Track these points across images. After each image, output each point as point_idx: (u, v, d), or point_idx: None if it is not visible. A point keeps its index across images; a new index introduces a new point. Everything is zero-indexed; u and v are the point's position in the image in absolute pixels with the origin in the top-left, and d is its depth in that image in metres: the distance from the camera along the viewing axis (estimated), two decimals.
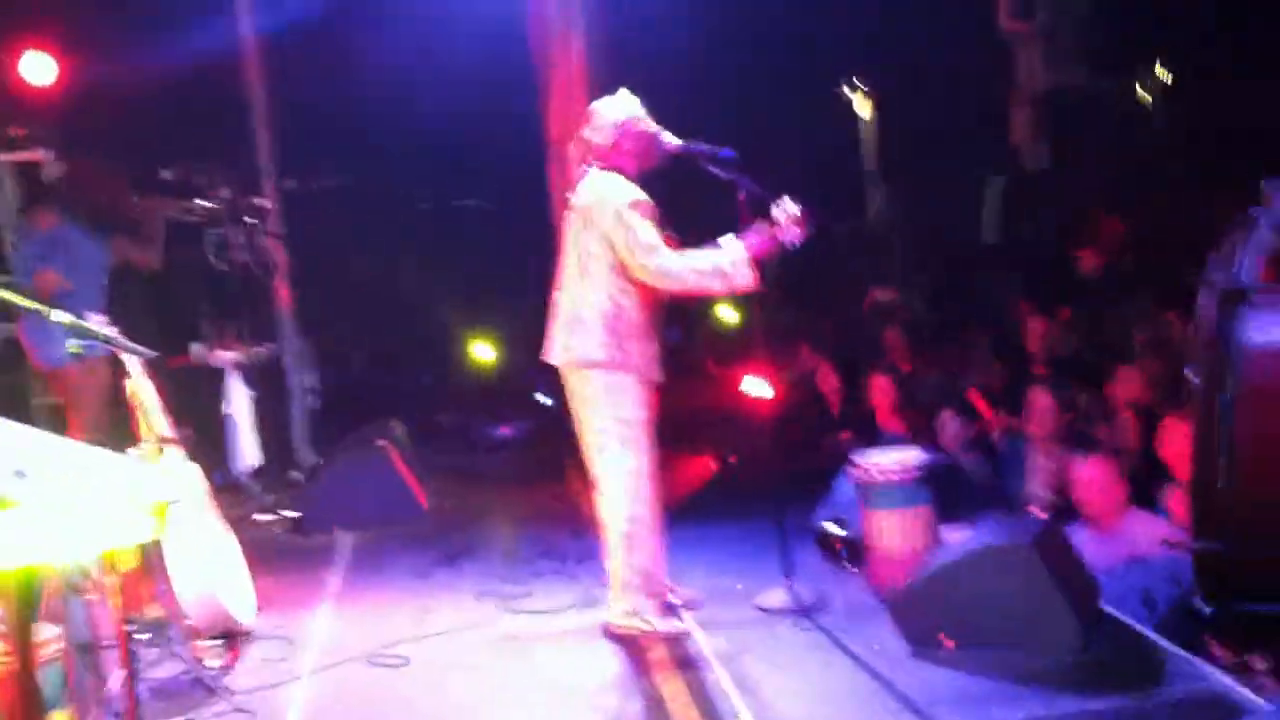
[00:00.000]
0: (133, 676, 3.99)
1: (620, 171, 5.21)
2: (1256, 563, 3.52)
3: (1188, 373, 3.97)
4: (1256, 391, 3.53)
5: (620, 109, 5.26)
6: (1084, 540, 5.43)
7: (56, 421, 6.96)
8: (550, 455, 8.80)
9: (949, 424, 6.95)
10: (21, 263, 7.36)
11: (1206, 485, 3.61)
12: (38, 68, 8.29)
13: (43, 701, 3.65)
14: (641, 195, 5.15)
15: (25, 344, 6.96)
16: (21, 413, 7.52)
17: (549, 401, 9.94)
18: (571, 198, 5.33)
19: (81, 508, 2.65)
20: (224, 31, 9.08)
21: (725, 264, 5.06)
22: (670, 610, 5.37)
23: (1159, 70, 12.41)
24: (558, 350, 5.28)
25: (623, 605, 5.26)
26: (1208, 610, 3.64)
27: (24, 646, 2.88)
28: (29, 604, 2.79)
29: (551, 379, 5.45)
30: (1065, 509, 5.85)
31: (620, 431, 5.17)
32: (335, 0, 9.96)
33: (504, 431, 10.00)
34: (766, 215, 5.16)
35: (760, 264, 5.10)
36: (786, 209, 5.10)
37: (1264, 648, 3.66)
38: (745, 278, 5.08)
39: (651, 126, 5.26)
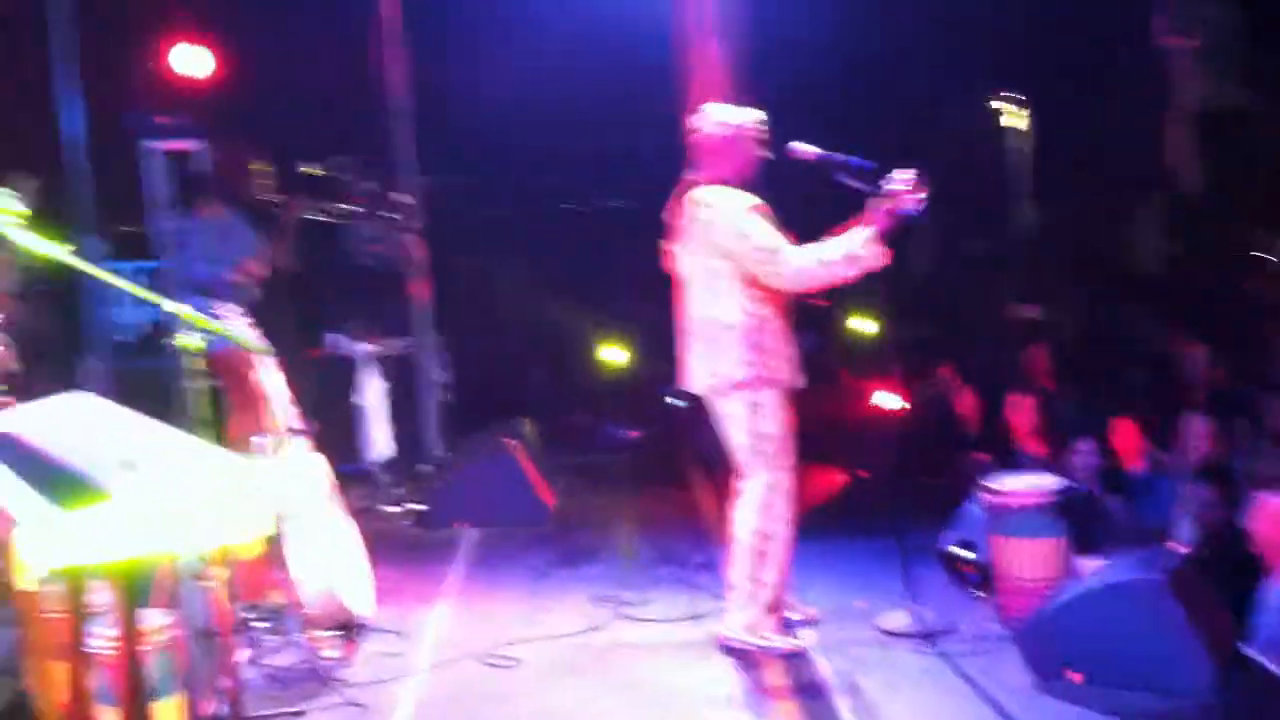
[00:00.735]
0: (241, 664, 4.04)
1: (720, 182, 5.12)
2: None
3: None
4: None
5: (740, 115, 5.19)
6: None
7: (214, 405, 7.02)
8: (677, 460, 8.74)
9: (1083, 453, 6.68)
10: (183, 249, 7.39)
11: None
12: (191, 60, 8.49)
13: (150, 688, 3.68)
14: (752, 199, 5.07)
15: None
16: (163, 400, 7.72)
17: (681, 404, 9.88)
18: (681, 220, 5.23)
19: (190, 503, 2.64)
20: (370, 25, 9.19)
21: (854, 247, 4.93)
22: (789, 628, 5.26)
23: None
24: (701, 376, 5.21)
25: (742, 619, 5.17)
26: None
27: (130, 634, 2.90)
28: (135, 594, 2.80)
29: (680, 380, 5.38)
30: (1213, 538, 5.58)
31: (761, 446, 5.10)
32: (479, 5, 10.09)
33: (632, 434, 9.97)
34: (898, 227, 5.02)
35: (886, 239, 4.94)
36: (898, 179, 4.93)
37: None
38: (874, 255, 4.94)
39: (763, 148, 5.16)
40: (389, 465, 8.38)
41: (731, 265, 5.02)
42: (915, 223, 5.00)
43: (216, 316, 5.14)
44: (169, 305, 4.02)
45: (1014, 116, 13.62)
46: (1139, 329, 10.45)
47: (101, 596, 3.45)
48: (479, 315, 10.98)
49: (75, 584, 2.89)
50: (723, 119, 5.18)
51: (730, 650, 5.17)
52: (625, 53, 9.98)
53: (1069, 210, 13.03)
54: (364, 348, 8.35)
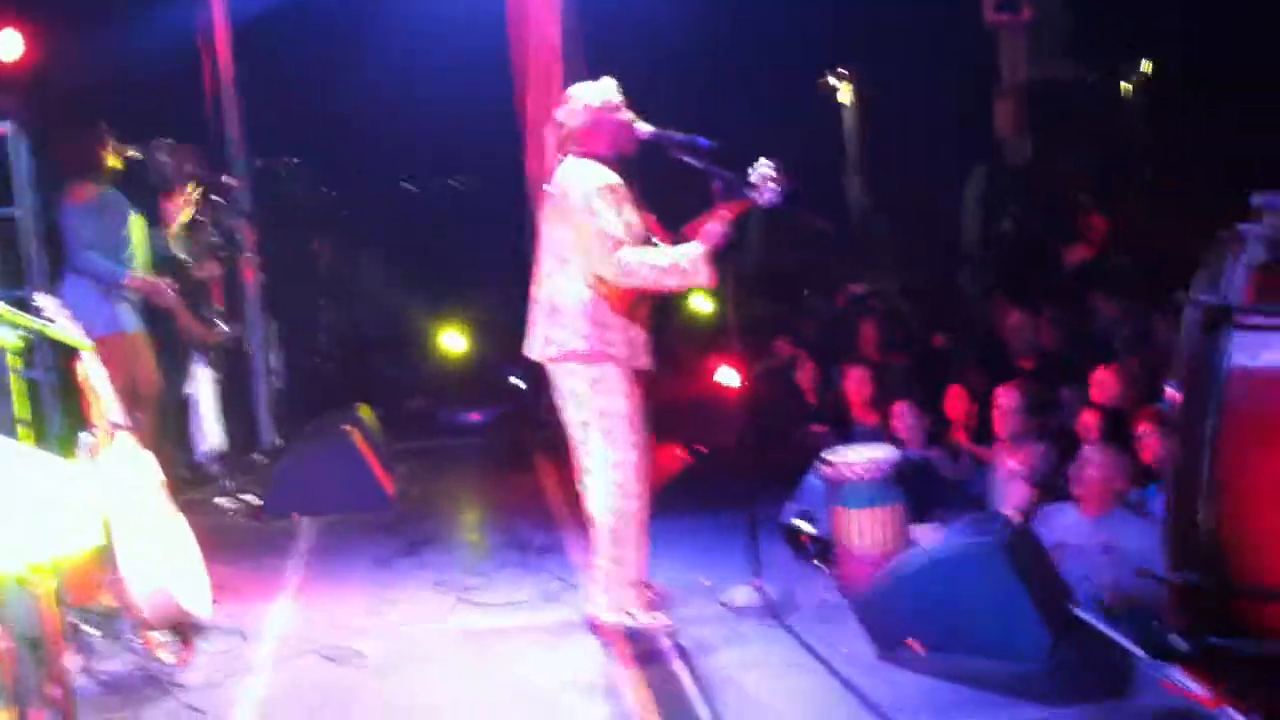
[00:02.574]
0: (72, 672, 3.88)
1: (596, 158, 5.09)
2: (1234, 598, 3.36)
3: (1168, 389, 3.82)
4: (1240, 417, 3.34)
5: (597, 93, 5.14)
6: (1070, 518, 5.40)
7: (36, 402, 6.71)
8: (520, 443, 8.70)
9: (905, 415, 6.85)
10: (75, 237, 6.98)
11: (1186, 515, 3.45)
12: (6, 43, 8.10)
13: None
14: (613, 179, 5.03)
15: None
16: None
17: (522, 384, 9.84)
18: (547, 186, 5.22)
19: (11, 510, 2.50)
20: (194, 6, 8.90)
21: (683, 260, 4.95)
22: (654, 605, 5.27)
23: (1143, 63, 12.34)
24: (539, 344, 5.17)
25: (608, 598, 5.16)
26: (1184, 644, 3.50)
27: None
28: None
29: (525, 363, 5.34)
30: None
31: (605, 424, 5.06)
32: None
33: (473, 417, 9.88)
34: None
35: (720, 257, 5.00)
36: (762, 169, 5.00)
37: (1237, 682, 3.52)
38: (702, 274, 4.97)
39: (626, 114, 5.15)
40: (221, 457, 8.14)
41: (578, 239, 5.00)
42: (792, 212, 5.07)
43: (38, 313, 4.94)
44: None
45: (843, 92, 13.85)
46: (966, 299, 10.76)
47: None
48: (314, 300, 10.75)
49: None
50: (583, 100, 5.13)
51: (598, 629, 5.16)
52: (464, 31, 9.85)
53: (897, 184, 13.31)
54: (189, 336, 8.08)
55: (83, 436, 5.07)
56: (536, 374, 8.21)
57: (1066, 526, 5.47)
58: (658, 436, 5.31)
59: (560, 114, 5.21)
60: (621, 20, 9.53)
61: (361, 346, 11.14)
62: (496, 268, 11.12)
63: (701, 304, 10.37)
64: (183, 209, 7.35)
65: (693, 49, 11.61)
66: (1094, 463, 5.40)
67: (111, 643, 5.11)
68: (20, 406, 4.09)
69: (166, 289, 6.94)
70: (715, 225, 5.03)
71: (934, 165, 12.78)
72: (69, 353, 5.52)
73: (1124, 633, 4.58)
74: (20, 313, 4.09)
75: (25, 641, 4.19)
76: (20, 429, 4.20)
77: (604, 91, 5.16)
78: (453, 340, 10.95)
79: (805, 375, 8.55)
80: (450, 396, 10.48)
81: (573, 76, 7.95)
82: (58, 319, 5.08)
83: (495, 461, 8.58)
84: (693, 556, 5.99)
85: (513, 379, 10.15)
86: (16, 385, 4.10)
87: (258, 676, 4.97)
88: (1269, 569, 3.35)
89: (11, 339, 4.02)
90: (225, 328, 8.04)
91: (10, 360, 4.07)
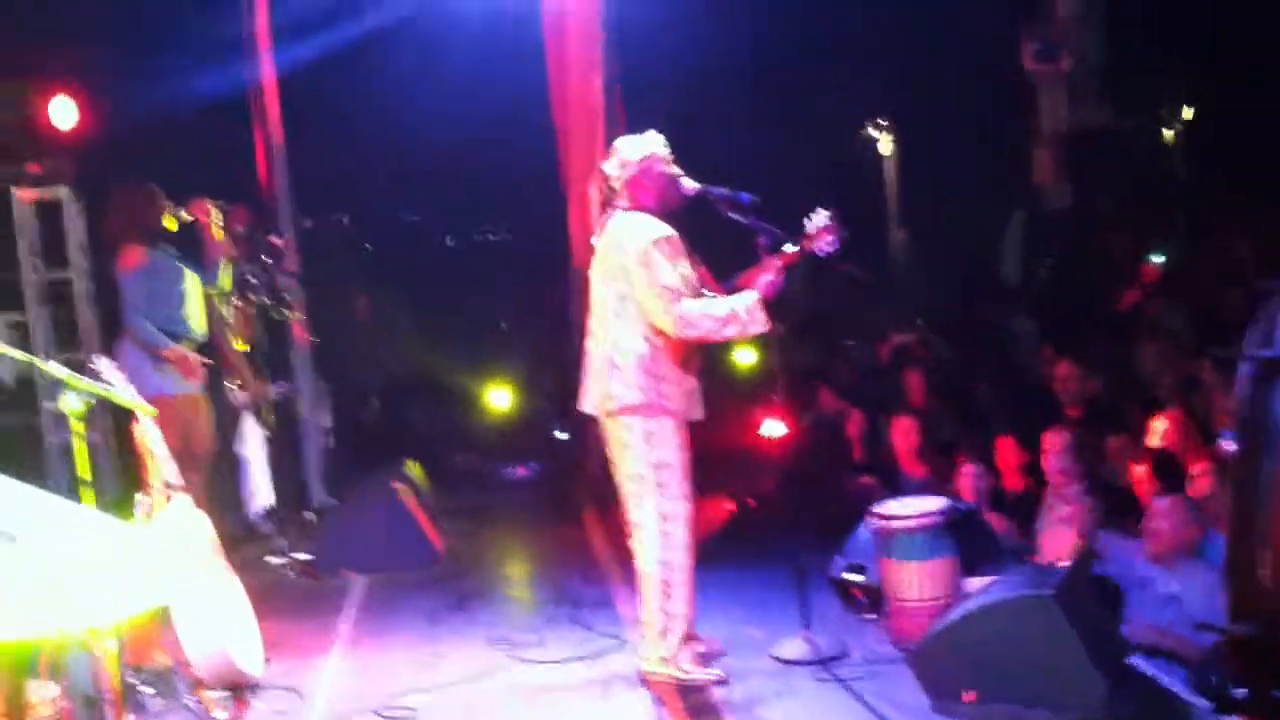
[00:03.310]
0: None
1: (644, 211, 5.15)
2: None
3: (1223, 441, 3.82)
4: None
5: (643, 147, 5.21)
6: (1140, 562, 5.35)
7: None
8: (566, 496, 8.71)
9: (968, 473, 6.81)
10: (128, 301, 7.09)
11: (1243, 565, 3.45)
12: (60, 110, 8.30)
13: None
14: (667, 231, 5.09)
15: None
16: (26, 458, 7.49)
17: (566, 438, 9.88)
18: (596, 240, 5.28)
19: (75, 575, 2.54)
20: (241, 70, 9.07)
21: (740, 309, 5.01)
22: (706, 659, 5.26)
23: (1184, 109, 12.37)
24: (595, 398, 5.20)
25: (657, 652, 5.16)
26: (1240, 693, 3.48)
27: (16, 708, 2.79)
28: (21, 669, 2.69)
29: (568, 416, 5.39)
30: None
31: (659, 476, 5.09)
32: (351, 35, 10.01)
33: (520, 472, 9.92)
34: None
35: (771, 306, 5.04)
36: (816, 219, 5.07)
37: None
38: (759, 322, 5.03)
39: (673, 168, 5.21)
40: (272, 514, 8.21)
41: (634, 292, 5.05)
42: (827, 262, 5.12)
43: (96, 376, 5.02)
44: (46, 367, 3.90)
45: (883, 142, 13.92)
46: (1012, 348, 10.72)
47: None
48: (361, 358, 10.85)
49: None
50: (628, 154, 5.20)
51: (649, 684, 5.15)
52: (502, 88, 9.99)
53: (938, 233, 13.33)
54: (242, 396, 8.17)
55: (139, 498, 5.13)
56: (583, 428, 8.31)
57: (1135, 570, 5.40)
58: (704, 488, 5.31)
59: (607, 167, 5.27)
60: (661, 73, 9.65)
61: (408, 403, 11.21)
62: (540, 322, 11.21)
63: (744, 356, 10.40)
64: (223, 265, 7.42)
65: (733, 100, 11.72)
66: (1164, 514, 5.33)
67: (167, 701, 5.14)
68: (82, 468, 4.15)
69: (197, 364, 6.91)
70: (770, 275, 5.08)
71: (974, 214, 12.81)
72: (125, 414, 5.61)
73: (1181, 682, 4.53)
74: (84, 378, 4.17)
75: (83, 700, 4.25)
76: (83, 490, 4.27)
77: (650, 144, 5.22)
78: (498, 397, 11.01)
79: (853, 426, 8.54)
80: (496, 452, 10.52)
81: (614, 130, 8.07)
82: (116, 382, 5.17)
83: (542, 516, 8.61)
84: (742, 609, 5.99)
85: (557, 434, 10.19)
86: (80, 448, 4.17)
87: None
88: None
89: (76, 404, 4.10)
90: (276, 386, 8.12)
91: (73, 425, 4.14)
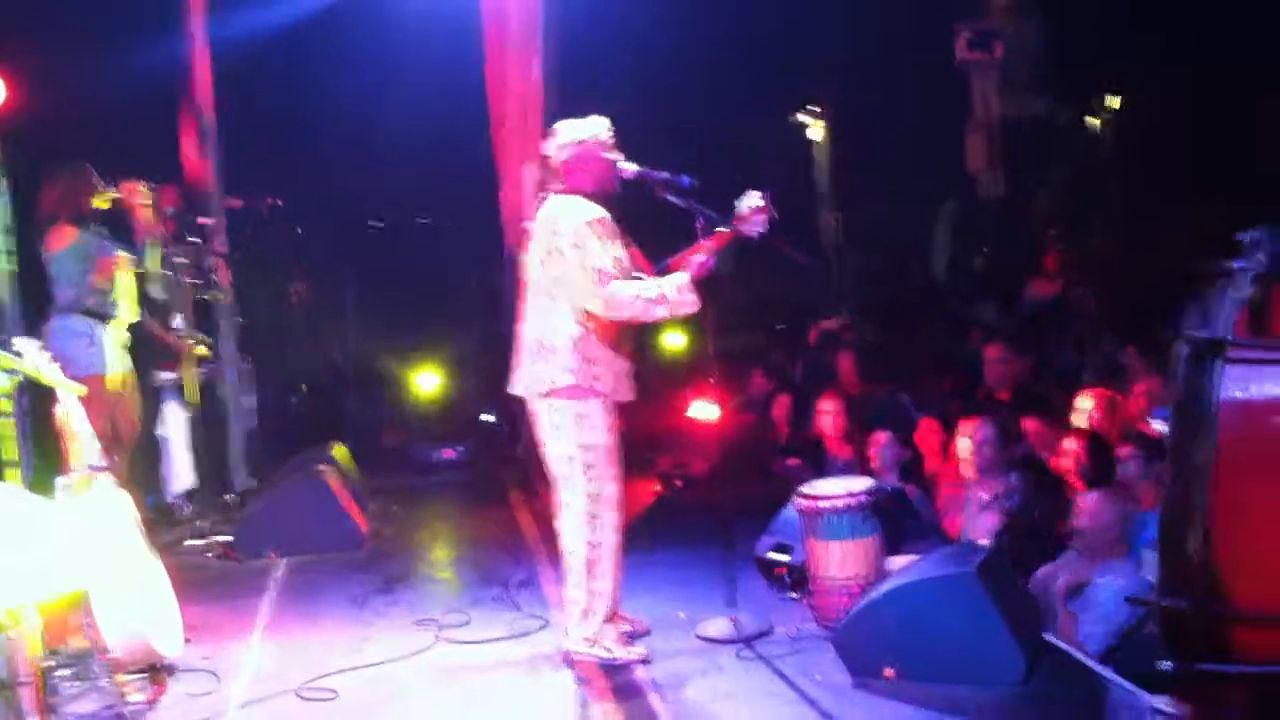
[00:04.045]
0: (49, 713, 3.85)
1: (580, 194, 5.13)
2: (1221, 623, 3.41)
3: (1154, 421, 3.87)
4: (1231, 449, 3.40)
5: (583, 130, 5.19)
6: (1069, 568, 5.36)
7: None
8: (494, 478, 8.68)
9: (884, 447, 6.86)
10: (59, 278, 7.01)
11: (1176, 541, 3.50)
12: None
13: None
14: (600, 213, 5.07)
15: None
16: None
17: (493, 419, 9.85)
18: (531, 223, 5.24)
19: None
20: (172, 47, 8.92)
21: (670, 290, 5.00)
22: (630, 638, 5.26)
23: (1110, 99, 12.50)
24: (525, 380, 5.18)
25: (582, 632, 5.16)
26: (1170, 667, 3.53)
27: None
28: None
29: (499, 399, 5.36)
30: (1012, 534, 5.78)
31: (586, 457, 5.08)
32: (286, 16, 9.88)
33: (448, 454, 9.87)
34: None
35: (702, 288, 5.05)
36: (748, 200, 5.07)
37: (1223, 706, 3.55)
38: (689, 303, 5.03)
39: (612, 153, 5.19)
40: (193, 496, 8.10)
41: (565, 272, 5.02)
42: (771, 243, 5.13)
43: (19, 356, 4.92)
44: None
45: (814, 128, 13.96)
46: (939, 331, 10.82)
47: None
48: (288, 339, 10.73)
49: None
50: (569, 136, 5.17)
51: (573, 663, 5.14)
52: (437, 70, 9.91)
53: (868, 218, 13.42)
54: (165, 376, 8.06)
55: (60, 480, 5.04)
56: (512, 410, 8.28)
57: (1070, 575, 5.43)
58: (632, 469, 5.30)
59: (547, 148, 5.24)
60: (596, 55, 9.61)
61: (335, 385, 11.11)
62: (470, 305, 11.16)
63: (675, 338, 10.42)
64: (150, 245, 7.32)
65: (667, 84, 11.70)
66: (1089, 512, 5.38)
67: (82, 684, 5.04)
68: (7, 449, 4.08)
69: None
70: (701, 256, 5.09)
71: (905, 200, 12.90)
72: (42, 395, 5.50)
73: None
74: (13, 357, 4.09)
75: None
76: (7, 470, 4.20)
77: (592, 128, 5.19)
78: (427, 380, 10.94)
79: (780, 408, 8.58)
80: (424, 433, 10.46)
81: (550, 113, 8.03)
82: (41, 363, 5.07)
83: (470, 498, 8.56)
84: (668, 589, 5.99)
85: (485, 416, 10.16)
86: (4, 427, 4.10)
87: (231, 717, 4.92)
88: (1260, 595, 3.40)
89: (3, 383, 4.02)
90: (196, 338, 7.99)
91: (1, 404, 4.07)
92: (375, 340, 11.35)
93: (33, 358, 5.10)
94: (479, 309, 10.84)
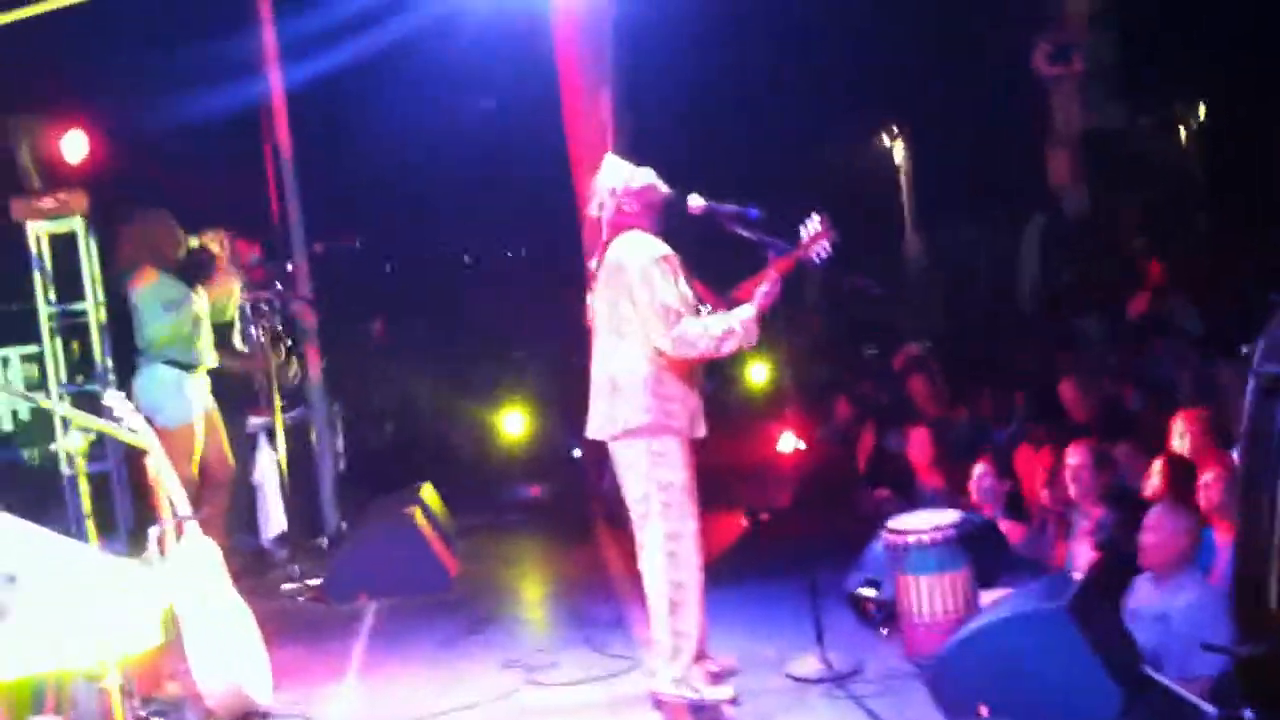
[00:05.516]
0: None
1: (641, 230, 5.13)
2: None
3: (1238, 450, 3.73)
4: None
5: (611, 176, 5.21)
6: (1140, 587, 5.24)
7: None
8: (580, 517, 8.68)
9: (982, 478, 6.73)
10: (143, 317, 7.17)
11: (1251, 583, 3.37)
12: (71, 144, 8.39)
13: None
14: (666, 251, 5.07)
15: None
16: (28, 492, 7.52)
17: (580, 455, 9.86)
18: (596, 263, 5.25)
19: (78, 612, 2.53)
20: (249, 94, 9.09)
21: (737, 325, 4.99)
22: (718, 677, 5.22)
23: (1193, 108, 12.26)
24: (600, 423, 5.18)
25: (670, 673, 5.12)
26: (1249, 715, 3.40)
27: None
28: (25, 707, 2.68)
29: (581, 436, 5.37)
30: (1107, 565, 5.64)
31: (663, 496, 5.06)
32: (361, 58, 10.03)
33: (534, 492, 9.89)
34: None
35: (788, 321, 5.03)
36: (810, 226, 5.05)
37: None
38: (754, 336, 5.02)
39: (664, 189, 5.18)
40: (284, 540, 8.20)
41: (636, 313, 5.02)
42: (819, 268, 5.11)
43: (109, 412, 5.04)
44: (48, 404, 3.92)
45: (896, 148, 13.86)
46: (1024, 353, 10.63)
47: None
48: (374, 380, 10.85)
49: None
50: (619, 175, 5.19)
51: (661, 704, 5.11)
52: (509, 104, 9.99)
53: (953, 238, 13.27)
54: (255, 420, 8.19)
55: (151, 529, 5.13)
56: (597, 448, 8.27)
57: (1141, 595, 5.31)
58: (716, 504, 5.27)
59: (601, 186, 5.25)
60: (670, 85, 9.63)
61: (421, 425, 11.19)
62: (554, 342, 11.20)
63: (759, 372, 10.36)
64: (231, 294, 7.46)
65: (748, 107, 11.70)
66: (1154, 527, 5.26)
67: None
68: (86, 502, 4.18)
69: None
70: (766, 286, 5.06)
71: (989, 217, 12.75)
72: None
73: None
74: (88, 416, 4.20)
75: None
76: (89, 523, 4.30)
77: (617, 173, 5.22)
78: (512, 418, 10.98)
79: (866, 438, 8.48)
80: (510, 472, 10.49)
81: (623, 144, 8.05)
82: (125, 416, 5.17)
83: (556, 537, 8.56)
84: (755, 627, 5.93)
85: (574, 452, 10.17)
86: (83, 484, 4.20)
87: None
88: None
89: (78, 441, 4.13)
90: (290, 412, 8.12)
91: (77, 462, 4.18)
92: (461, 378, 11.42)
93: (119, 412, 5.22)
94: (561, 346, 10.88)
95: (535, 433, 10.88)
